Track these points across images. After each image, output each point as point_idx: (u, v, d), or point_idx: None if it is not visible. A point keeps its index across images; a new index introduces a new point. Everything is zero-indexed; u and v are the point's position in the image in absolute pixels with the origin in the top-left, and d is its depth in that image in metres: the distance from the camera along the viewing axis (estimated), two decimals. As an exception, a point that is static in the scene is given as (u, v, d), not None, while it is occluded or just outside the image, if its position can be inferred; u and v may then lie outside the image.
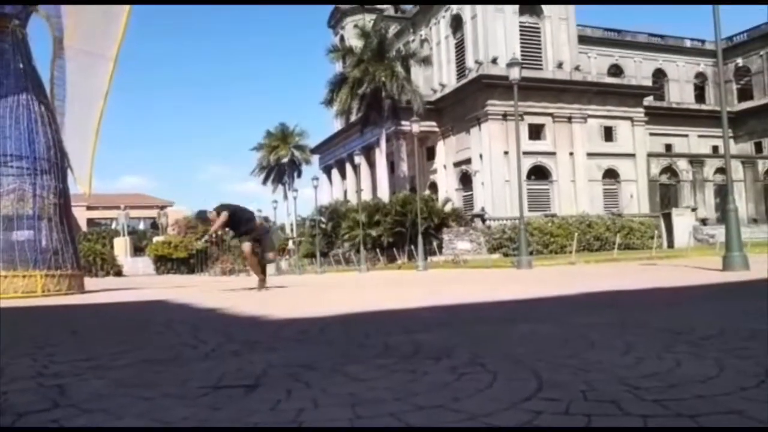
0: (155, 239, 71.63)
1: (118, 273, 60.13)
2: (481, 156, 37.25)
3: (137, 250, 71.06)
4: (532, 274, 12.00)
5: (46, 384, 2.07)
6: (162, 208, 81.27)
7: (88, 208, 72.45)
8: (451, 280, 10.53)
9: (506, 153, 35.96)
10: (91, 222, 75.15)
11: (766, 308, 3.58)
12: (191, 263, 65.87)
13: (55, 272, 10.11)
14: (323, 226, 39.93)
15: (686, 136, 45.91)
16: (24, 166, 10.17)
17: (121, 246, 67.82)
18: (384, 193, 39.66)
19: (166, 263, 67.21)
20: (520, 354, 2.31)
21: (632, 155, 39.37)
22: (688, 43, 49.95)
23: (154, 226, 79.94)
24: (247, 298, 7.17)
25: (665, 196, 40.41)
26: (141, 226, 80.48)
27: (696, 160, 41.52)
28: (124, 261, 64.88)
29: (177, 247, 67.21)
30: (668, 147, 44.79)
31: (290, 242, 50.45)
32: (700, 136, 45.82)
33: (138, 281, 28.79)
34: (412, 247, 26.98)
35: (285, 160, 58.21)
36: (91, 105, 10.95)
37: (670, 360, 2.10)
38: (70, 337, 3.50)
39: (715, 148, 44.76)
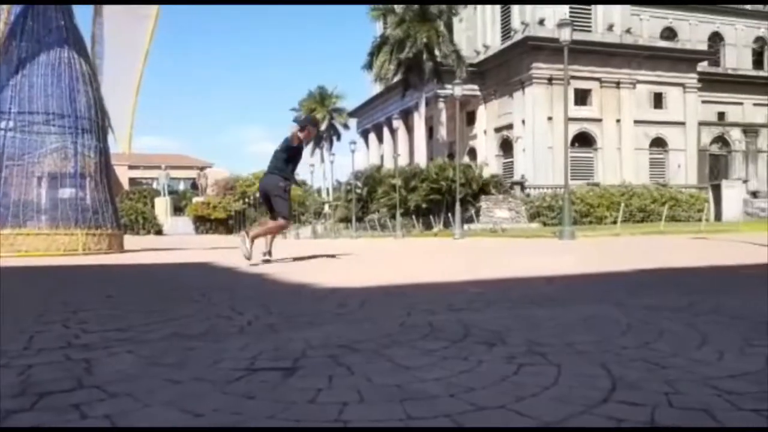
0: (195, 200, 73.02)
1: (159, 232, 61.73)
2: (523, 121, 36.35)
3: (177, 210, 72.65)
4: (577, 246, 11.65)
5: (74, 357, 1.95)
6: (202, 169, 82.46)
7: (130, 167, 74.05)
8: (491, 250, 10.29)
9: (550, 119, 35.02)
10: (132, 181, 76.88)
11: None
12: (230, 224, 67.09)
13: (96, 231, 10.24)
14: (359, 191, 39.85)
15: (741, 104, 43.80)
16: (66, 125, 10.22)
17: (161, 205, 69.41)
18: (421, 159, 39.22)
19: (204, 223, 68.63)
20: (582, 342, 2.10)
21: (682, 123, 37.86)
22: (748, 6, 47.20)
23: (194, 186, 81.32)
24: (284, 265, 7.09)
25: (714, 167, 38.94)
26: (181, 187, 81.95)
27: (750, 130, 39.73)
28: (164, 220, 66.49)
29: (216, 208, 68.43)
30: (721, 115, 42.88)
31: (326, 206, 50.76)
32: (755, 105, 43.67)
33: (178, 241, 29.38)
34: (449, 214, 26.67)
35: (323, 125, 58.09)
36: (131, 64, 10.91)
37: (757, 356, 1.86)
38: (105, 303, 3.42)
39: (771, 117, 42.71)
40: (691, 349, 1.99)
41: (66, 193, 10.10)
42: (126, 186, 70.94)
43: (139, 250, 12.79)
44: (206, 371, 1.76)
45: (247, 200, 65.39)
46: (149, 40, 10.98)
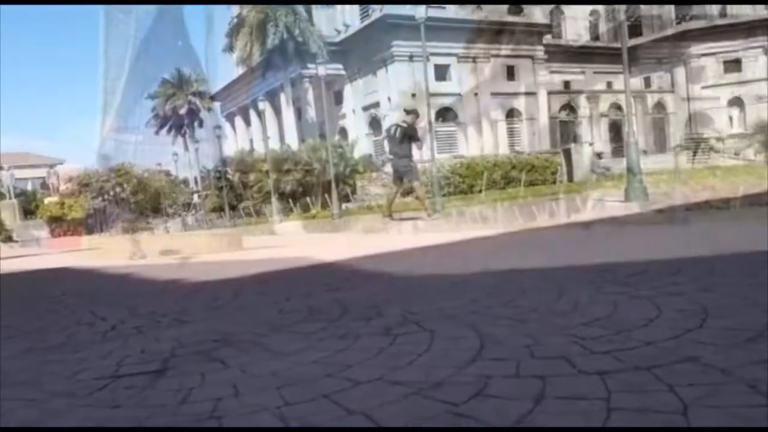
0: (47, 200, 66.74)
1: (8, 239, 55.90)
2: (389, 99, 36.94)
3: (28, 214, 66.07)
4: (446, 216, 12.11)
5: None
6: (51, 166, 75.27)
7: (-35, 170, 66.11)
8: (367, 228, 10.42)
9: (414, 95, 35.86)
10: (-30, 186, 68.64)
11: (681, 239, 3.67)
12: (89, 223, 62.25)
13: (-72, 245, 9.05)
14: (230, 177, 38.54)
15: (583, 73, 47.68)
16: None
17: (8, 210, 62.62)
18: (292, 140, 38.64)
19: (61, 225, 63.10)
20: (453, 307, 2.18)
21: (533, 94, 40.52)
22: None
23: (45, 186, 74.23)
24: (150, 264, 6.73)
25: (564, 132, 42.10)
26: (29, 187, 74.46)
27: (592, 97, 43.39)
28: (12, 226, 60.27)
29: (72, 207, 63.07)
30: (566, 84, 46.40)
31: (195, 196, 48.57)
32: (595, 73, 47.71)
33: (30, 247, 26.79)
34: (326, 195, 26.59)
35: (183, 110, 55.29)
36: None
37: (605, 302, 2.04)
38: (-59, 324, 3.03)
39: (609, 84, 46.88)
40: (550, 303, 2.14)
41: None
42: (-39, 192, 63.23)
43: (-16, 262, 11.49)
44: (65, 384, 1.62)
45: (106, 197, 60.94)
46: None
